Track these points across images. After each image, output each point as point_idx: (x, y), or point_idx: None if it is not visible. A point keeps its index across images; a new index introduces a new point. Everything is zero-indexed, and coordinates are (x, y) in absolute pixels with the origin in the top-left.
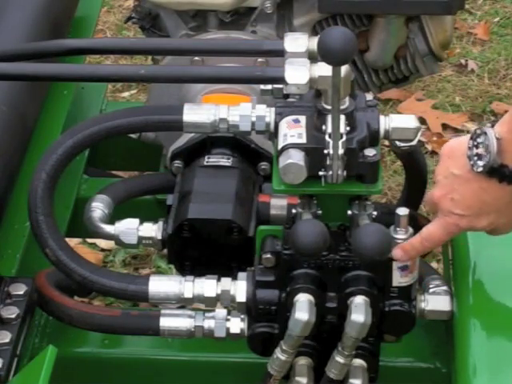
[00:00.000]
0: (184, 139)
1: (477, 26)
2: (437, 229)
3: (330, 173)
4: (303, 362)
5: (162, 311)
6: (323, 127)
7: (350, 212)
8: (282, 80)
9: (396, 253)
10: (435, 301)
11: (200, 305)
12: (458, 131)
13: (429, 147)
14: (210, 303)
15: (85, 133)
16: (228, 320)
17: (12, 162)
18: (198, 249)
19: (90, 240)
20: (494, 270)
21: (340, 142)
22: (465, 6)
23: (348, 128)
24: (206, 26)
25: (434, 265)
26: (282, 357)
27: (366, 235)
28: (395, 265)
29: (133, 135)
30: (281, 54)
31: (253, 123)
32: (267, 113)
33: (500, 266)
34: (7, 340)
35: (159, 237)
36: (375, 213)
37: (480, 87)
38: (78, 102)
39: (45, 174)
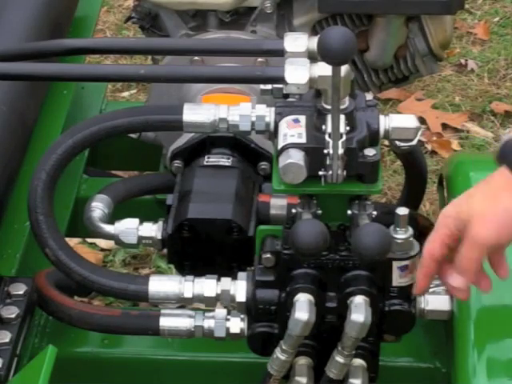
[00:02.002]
0: (184, 139)
1: (477, 25)
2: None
3: (330, 172)
4: (303, 361)
5: (162, 311)
6: (323, 127)
7: (349, 212)
8: (281, 80)
9: (416, 291)
10: (435, 300)
11: (200, 305)
12: (457, 131)
13: (429, 147)
14: (209, 303)
15: (85, 132)
16: (228, 320)
17: (12, 162)
18: (197, 249)
19: (89, 240)
20: None
21: (340, 142)
22: (464, 5)
23: (348, 128)
24: (206, 26)
25: None
26: (282, 356)
27: (366, 235)
28: (395, 264)
29: (133, 135)
30: (281, 53)
31: (253, 123)
32: (267, 113)
33: None
34: (7, 340)
35: (159, 236)
36: (375, 212)
37: (480, 87)
38: (77, 101)
39: (45, 173)
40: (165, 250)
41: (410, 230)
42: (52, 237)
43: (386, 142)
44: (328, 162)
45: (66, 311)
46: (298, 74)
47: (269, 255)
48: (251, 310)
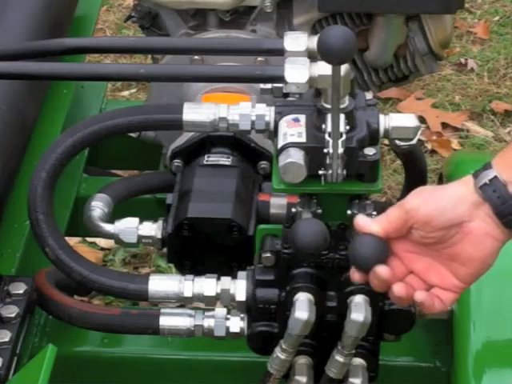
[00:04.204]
0: (184, 138)
1: (476, 24)
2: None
3: (330, 172)
4: (303, 360)
5: (162, 310)
6: (323, 126)
7: (349, 211)
8: (281, 79)
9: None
10: None
11: (200, 304)
12: (457, 130)
13: (428, 146)
14: (209, 302)
15: (85, 132)
16: (228, 319)
17: (12, 161)
18: (197, 248)
19: (89, 239)
20: (493, 269)
21: (340, 141)
22: (464, 4)
23: (348, 127)
24: (206, 25)
25: None
26: (282, 356)
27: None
28: None
29: (132, 134)
30: (280, 52)
31: (252, 122)
32: (267, 112)
33: (500, 265)
34: (7, 339)
35: (159, 236)
36: (375, 212)
37: (480, 86)
38: (77, 100)
39: (45, 173)
40: (165, 249)
41: None
42: (52, 236)
43: (386, 141)
44: (328, 161)
45: (65, 310)
46: (297, 73)
47: (269, 254)
48: (251, 309)
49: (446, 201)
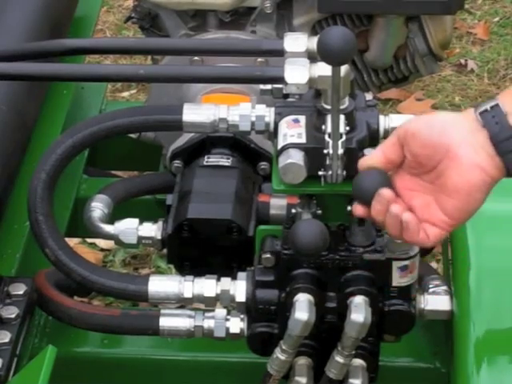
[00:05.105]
0: (184, 139)
1: (476, 25)
2: None
3: (330, 172)
4: (303, 361)
5: (162, 311)
6: (323, 127)
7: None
8: (281, 80)
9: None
10: (435, 300)
11: (200, 305)
12: None
13: None
14: (209, 303)
15: (84, 132)
16: (228, 320)
17: (11, 162)
18: (197, 249)
19: (89, 240)
20: (493, 269)
21: (339, 142)
22: (464, 5)
23: (347, 128)
24: (206, 26)
25: (434, 265)
26: (282, 356)
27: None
28: (395, 265)
29: (132, 135)
30: (280, 53)
31: (252, 123)
32: (267, 112)
33: (500, 265)
34: (7, 340)
35: (159, 236)
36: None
37: (480, 87)
38: (77, 101)
39: (44, 173)
40: (164, 250)
41: None
42: (52, 237)
43: None
44: (328, 162)
45: (65, 311)
46: (297, 74)
47: (268, 255)
48: (251, 310)
49: (438, 119)
